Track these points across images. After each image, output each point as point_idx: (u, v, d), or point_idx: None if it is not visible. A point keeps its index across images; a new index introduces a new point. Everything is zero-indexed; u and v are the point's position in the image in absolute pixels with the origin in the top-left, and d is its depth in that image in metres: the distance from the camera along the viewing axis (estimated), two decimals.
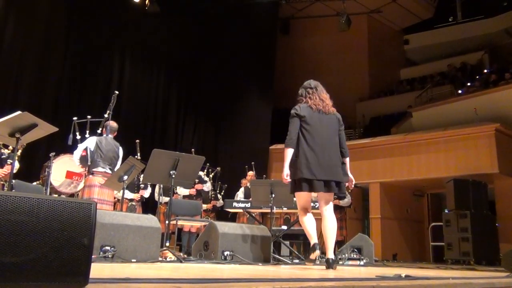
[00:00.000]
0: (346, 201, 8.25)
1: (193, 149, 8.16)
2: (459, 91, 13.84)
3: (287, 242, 6.56)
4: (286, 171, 3.80)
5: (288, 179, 3.81)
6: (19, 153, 5.81)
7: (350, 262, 5.56)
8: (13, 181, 4.30)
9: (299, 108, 3.89)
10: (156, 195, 7.30)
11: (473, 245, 8.39)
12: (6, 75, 8.30)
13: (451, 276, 3.09)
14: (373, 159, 11.41)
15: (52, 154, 6.25)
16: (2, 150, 5.62)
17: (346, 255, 5.65)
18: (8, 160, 5.43)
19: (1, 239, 1.37)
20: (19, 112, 3.67)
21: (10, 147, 5.32)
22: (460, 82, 14.83)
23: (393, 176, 11.09)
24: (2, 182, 5.45)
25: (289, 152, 3.80)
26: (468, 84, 14.29)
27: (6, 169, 5.36)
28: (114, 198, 5.85)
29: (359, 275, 3.12)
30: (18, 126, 3.69)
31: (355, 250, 5.71)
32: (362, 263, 5.54)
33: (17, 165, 5.63)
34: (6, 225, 1.39)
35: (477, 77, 14.57)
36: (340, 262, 5.64)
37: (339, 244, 7.87)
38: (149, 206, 7.72)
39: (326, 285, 1.91)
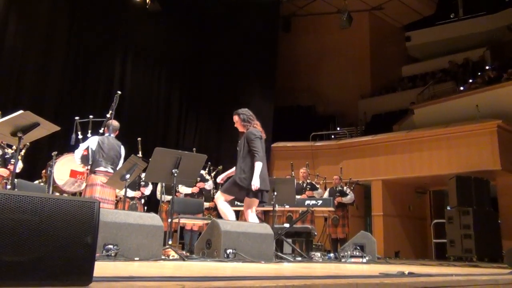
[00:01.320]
0: (349, 198, 8.26)
1: (194, 148, 8.17)
2: (461, 88, 13.81)
3: (290, 240, 6.56)
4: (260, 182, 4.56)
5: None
6: (22, 152, 5.82)
7: (353, 260, 5.57)
8: (15, 180, 4.30)
9: (258, 132, 4.73)
10: (158, 193, 7.30)
11: (476, 242, 8.38)
12: (8, 75, 8.31)
13: (454, 273, 3.09)
14: (375, 156, 11.39)
15: (54, 153, 6.26)
16: (6, 150, 5.64)
17: (349, 252, 5.66)
18: (11, 160, 5.44)
19: (5, 238, 1.38)
20: (21, 111, 3.67)
21: (14, 147, 5.33)
22: (462, 78, 14.79)
23: (395, 173, 11.08)
24: (5, 181, 5.47)
25: (261, 166, 4.58)
26: (470, 80, 14.26)
27: (9, 169, 5.38)
28: (116, 197, 5.86)
29: (362, 273, 3.12)
30: (20, 125, 3.69)
31: (358, 247, 5.71)
32: (364, 260, 5.55)
33: (20, 164, 5.65)
34: (10, 224, 1.39)
35: (479, 73, 14.53)
36: (343, 260, 5.64)
37: (341, 241, 7.88)
38: (151, 204, 7.74)
39: (329, 283, 1.91)
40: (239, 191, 4.63)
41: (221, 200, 4.76)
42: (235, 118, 4.85)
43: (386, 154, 11.24)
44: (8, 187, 5.18)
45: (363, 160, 11.53)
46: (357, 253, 5.65)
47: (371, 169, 11.31)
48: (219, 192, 4.87)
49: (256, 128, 4.78)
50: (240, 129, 4.87)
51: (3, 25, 8.35)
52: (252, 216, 4.77)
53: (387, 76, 17.01)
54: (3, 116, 4.15)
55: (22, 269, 1.39)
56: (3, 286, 1.35)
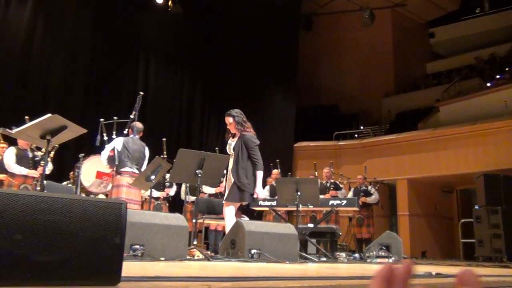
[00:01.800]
0: (374, 198, 8.17)
1: (217, 148, 8.21)
2: (488, 84, 13.49)
3: (314, 240, 6.53)
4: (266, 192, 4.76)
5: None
6: (52, 154, 5.96)
7: (379, 260, 5.51)
8: (44, 181, 4.41)
9: (256, 138, 4.82)
10: (182, 194, 7.37)
11: (506, 242, 8.17)
12: (36, 80, 8.54)
13: (484, 274, 3.03)
14: (400, 155, 11.24)
15: (81, 155, 6.39)
16: (36, 153, 5.79)
17: (374, 252, 5.60)
18: (41, 162, 5.57)
19: (35, 239, 1.41)
20: (49, 115, 3.76)
21: (43, 150, 5.47)
22: (488, 74, 14.44)
23: (421, 172, 10.90)
24: (34, 182, 5.61)
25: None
26: (497, 76, 13.91)
27: (39, 171, 5.52)
28: (141, 197, 5.94)
29: None
30: (48, 128, 3.79)
31: (383, 247, 5.65)
32: (390, 260, 5.48)
33: (50, 166, 5.79)
34: (40, 224, 1.43)
35: (507, 69, 14.16)
36: (368, 260, 5.59)
37: (366, 241, 7.80)
38: (175, 205, 7.82)
39: (355, 283, 1.90)
40: (244, 195, 4.66)
41: (230, 210, 4.70)
42: (229, 120, 4.84)
43: (411, 152, 11.08)
44: (38, 188, 5.32)
45: (388, 159, 11.39)
46: (383, 253, 5.58)
47: (396, 168, 11.17)
48: (226, 205, 4.78)
49: (251, 132, 4.84)
50: (233, 130, 4.87)
51: (30, 31, 8.57)
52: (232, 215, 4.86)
53: (411, 74, 16.74)
54: (31, 120, 4.27)
55: (52, 269, 1.42)
56: (34, 285, 1.38)
